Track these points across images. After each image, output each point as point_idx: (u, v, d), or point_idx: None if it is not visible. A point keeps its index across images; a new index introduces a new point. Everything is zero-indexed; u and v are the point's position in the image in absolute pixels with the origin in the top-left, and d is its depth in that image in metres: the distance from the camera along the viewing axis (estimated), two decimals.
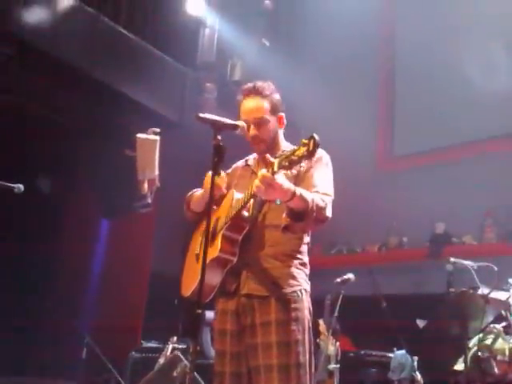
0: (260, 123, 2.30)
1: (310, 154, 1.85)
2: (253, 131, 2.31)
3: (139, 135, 4.59)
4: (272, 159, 1.95)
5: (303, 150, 1.86)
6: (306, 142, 1.86)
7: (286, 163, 1.89)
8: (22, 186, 3.12)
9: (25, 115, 5.35)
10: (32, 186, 5.72)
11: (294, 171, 1.95)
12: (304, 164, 1.91)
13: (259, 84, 2.35)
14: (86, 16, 5.10)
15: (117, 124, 5.52)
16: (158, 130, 4.57)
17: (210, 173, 2.19)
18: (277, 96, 2.37)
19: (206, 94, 6.02)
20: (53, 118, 5.46)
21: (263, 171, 1.96)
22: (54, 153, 6.12)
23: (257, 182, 1.97)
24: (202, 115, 2.16)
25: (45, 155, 6.13)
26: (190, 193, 2.55)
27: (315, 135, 1.86)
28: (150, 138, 4.57)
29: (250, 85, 2.37)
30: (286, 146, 2.36)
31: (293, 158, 1.87)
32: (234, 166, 2.56)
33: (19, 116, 5.29)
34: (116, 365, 4.80)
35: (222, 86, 6.17)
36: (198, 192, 2.48)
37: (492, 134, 5.55)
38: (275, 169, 1.92)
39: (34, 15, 4.70)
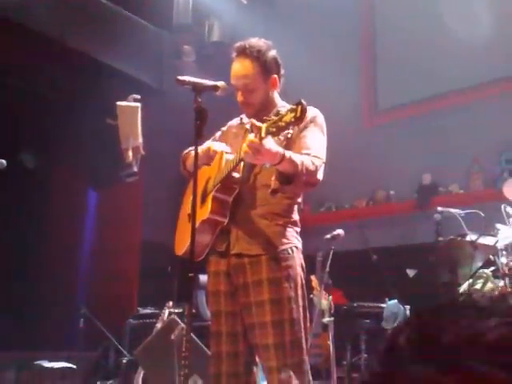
0: (247, 90, 2.25)
1: (298, 120, 1.84)
2: (240, 97, 2.28)
3: (119, 103, 4.51)
4: (259, 124, 1.93)
5: (290, 115, 1.84)
6: (294, 107, 1.84)
7: (274, 129, 1.87)
8: (4, 162, 3.07)
9: (3, 89, 5.22)
10: (15, 161, 5.65)
11: (282, 137, 1.92)
12: (292, 130, 1.89)
13: (250, 43, 2.26)
14: None
15: (96, 93, 5.41)
16: (138, 96, 4.49)
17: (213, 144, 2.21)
18: (271, 54, 2.27)
19: (184, 57, 5.91)
20: (30, 89, 5.34)
21: (250, 136, 1.94)
22: (35, 125, 6.02)
23: (244, 146, 1.96)
24: (181, 78, 2.12)
25: (25, 128, 6.02)
26: (185, 151, 2.52)
27: (302, 101, 1.84)
28: (130, 105, 4.50)
29: (241, 44, 2.28)
30: (282, 105, 2.31)
31: (280, 123, 1.86)
32: (228, 123, 2.53)
33: None
34: (114, 332, 4.86)
35: (200, 47, 6.05)
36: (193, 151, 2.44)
37: (475, 83, 5.53)
38: (263, 134, 1.90)
39: None
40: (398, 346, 0.49)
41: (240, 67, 2.25)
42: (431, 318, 0.50)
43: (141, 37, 5.56)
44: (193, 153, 2.45)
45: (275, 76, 2.29)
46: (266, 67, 2.25)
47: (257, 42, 2.29)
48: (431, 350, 0.46)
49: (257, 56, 2.23)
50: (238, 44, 2.30)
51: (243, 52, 2.25)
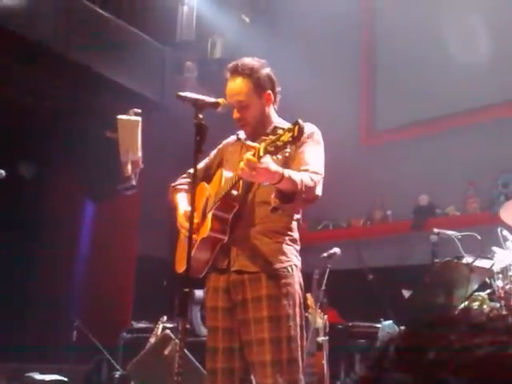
0: (242, 107, 2.28)
1: (295, 140, 1.86)
2: (236, 114, 2.30)
3: (120, 116, 4.54)
4: (257, 145, 1.94)
5: (288, 135, 1.86)
6: (291, 127, 1.86)
7: (272, 148, 1.89)
8: (3, 172, 3.08)
9: (2, 99, 5.25)
10: (14, 171, 5.66)
11: (280, 156, 1.93)
12: (289, 149, 1.90)
13: (243, 62, 2.30)
14: None
15: (97, 106, 5.45)
16: (139, 110, 4.52)
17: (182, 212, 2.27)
18: (264, 72, 2.30)
19: (186, 72, 5.96)
20: (33, 101, 5.37)
21: (248, 155, 1.95)
22: (36, 137, 6.04)
23: (241, 164, 1.97)
24: (182, 94, 2.14)
25: (26, 140, 6.05)
26: (173, 184, 2.52)
27: (299, 120, 1.86)
28: (131, 118, 4.53)
29: (234, 63, 2.32)
30: (278, 122, 2.34)
31: (278, 143, 1.87)
32: (224, 141, 2.55)
33: None
34: (107, 346, 4.83)
35: (202, 64, 6.11)
36: (181, 205, 2.41)
37: (473, 106, 5.58)
38: (261, 154, 1.91)
39: None
40: (386, 353, 0.50)
41: (233, 85, 2.28)
42: (423, 331, 0.51)
43: (144, 52, 5.61)
44: (180, 187, 2.47)
45: (269, 92, 2.32)
46: (260, 84, 2.28)
47: (250, 60, 2.32)
48: (415, 360, 0.47)
49: (249, 73, 2.27)
50: (231, 64, 2.34)
51: (236, 71, 2.28)
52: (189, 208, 2.29)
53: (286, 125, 2.26)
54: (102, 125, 5.13)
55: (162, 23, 5.93)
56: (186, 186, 2.49)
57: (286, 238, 2.27)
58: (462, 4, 5.79)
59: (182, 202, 2.41)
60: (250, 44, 5.71)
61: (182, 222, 2.32)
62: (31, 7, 4.73)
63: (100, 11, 5.27)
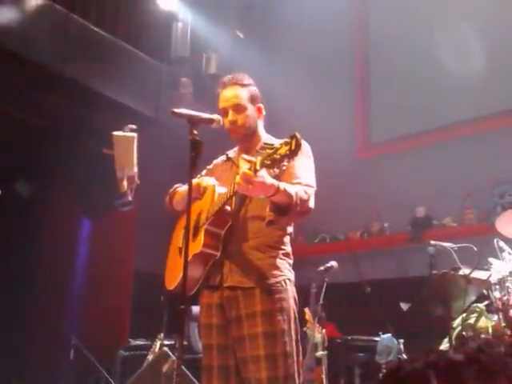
0: (239, 109, 2.31)
1: (292, 153, 1.86)
2: (231, 117, 2.32)
3: (115, 133, 4.55)
4: (253, 158, 1.95)
5: (285, 148, 1.86)
6: (288, 140, 1.87)
7: (269, 162, 1.89)
8: None
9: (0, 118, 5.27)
10: (10, 189, 5.65)
11: (277, 170, 1.94)
12: (286, 163, 1.90)
13: (238, 75, 2.38)
14: (56, 14, 5.02)
15: (93, 122, 5.46)
16: (134, 126, 4.53)
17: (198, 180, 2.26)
18: (255, 88, 2.39)
19: (181, 88, 5.98)
20: (27, 119, 5.38)
21: (244, 168, 1.95)
22: (31, 154, 6.04)
23: (238, 178, 1.97)
24: (177, 110, 2.15)
25: (21, 157, 6.04)
26: (173, 188, 2.55)
27: (297, 134, 1.87)
28: (126, 135, 4.54)
29: (228, 76, 2.39)
30: (267, 138, 2.37)
31: (275, 156, 1.87)
32: (214, 161, 2.56)
33: None
34: (105, 364, 4.79)
35: (197, 80, 6.14)
36: (181, 188, 2.47)
37: (468, 117, 5.61)
38: (257, 167, 1.92)
39: (3, 15, 4.62)
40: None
41: (230, 91, 2.35)
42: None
43: (139, 68, 5.64)
44: (180, 189, 2.48)
45: (261, 105, 2.39)
46: (253, 95, 2.36)
47: (242, 75, 2.41)
48: None
49: (245, 84, 2.36)
50: (224, 78, 2.40)
51: (231, 82, 2.36)
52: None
53: (275, 141, 2.28)
54: (97, 141, 5.13)
55: (156, 40, 5.97)
56: (183, 186, 2.50)
57: (279, 252, 2.26)
58: (456, 16, 5.85)
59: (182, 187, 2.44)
60: (244, 60, 5.76)
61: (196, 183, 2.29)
62: (27, 26, 4.76)
63: (95, 29, 5.31)
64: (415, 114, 5.89)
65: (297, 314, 2.25)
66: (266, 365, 2.11)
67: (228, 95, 2.33)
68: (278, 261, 2.24)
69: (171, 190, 2.55)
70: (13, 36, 4.64)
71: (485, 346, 0.52)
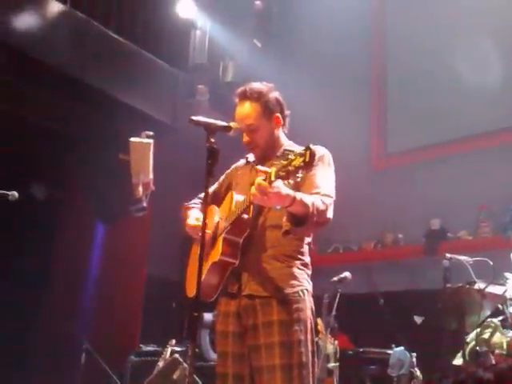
0: (251, 130, 2.30)
1: (307, 165, 1.85)
2: (245, 138, 2.32)
3: (132, 139, 4.59)
4: (268, 169, 1.95)
5: (300, 160, 1.85)
6: (303, 152, 1.87)
7: (283, 173, 1.89)
8: (16, 194, 3.11)
9: (17, 122, 5.33)
10: (26, 193, 5.71)
11: (291, 181, 1.93)
12: (301, 174, 1.90)
13: (251, 87, 2.33)
14: (76, 21, 5.09)
15: (110, 128, 5.51)
16: (151, 133, 4.57)
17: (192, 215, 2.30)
18: (272, 95, 2.33)
19: (198, 96, 6.02)
20: (45, 124, 5.44)
21: (259, 179, 1.95)
22: (48, 159, 6.10)
23: (253, 189, 1.97)
24: (194, 118, 2.16)
25: (38, 162, 6.11)
26: (185, 205, 2.54)
27: (311, 146, 1.87)
28: (143, 141, 4.58)
29: (242, 88, 2.35)
30: (288, 144, 2.36)
31: (290, 168, 1.87)
32: (233, 165, 2.56)
33: (12, 123, 5.27)
34: (115, 369, 4.79)
35: (214, 87, 6.17)
36: (192, 214, 2.44)
37: (484, 129, 5.57)
38: (272, 178, 1.92)
39: (24, 21, 4.69)
40: None
41: (242, 109, 2.32)
42: None
43: (157, 76, 5.69)
44: (192, 205, 2.50)
45: (278, 115, 2.34)
46: (268, 107, 2.31)
47: (258, 85, 2.36)
48: None
49: (257, 97, 2.30)
50: (239, 89, 2.37)
51: (244, 95, 2.32)
52: (200, 215, 2.31)
53: (296, 147, 2.27)
54: (114, 147, 5.18)
55: (174, 47, 6.02)
56: (198, 205, 2.52)
57: (297, 262, 2.25)
58: (473, 27, 5.82)
59: (193, 212, 2.45)
60: (261, 68, 5.78)
61: (190, 222, 2.34)
62: (47, 32, 4.83)
63: (114, 36, 5.37)
64: (432, 125, 5.86)
65: (314, 325, 2.24)
66: (282, 375, 2.09)
67: (240, 115, 2.31)
68: (296, 271, 2.23)
69: (183, 209, 2.55)
70: (34, 42, 4.71)
71: None
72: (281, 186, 1.96)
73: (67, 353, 5.49)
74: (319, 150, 2.24)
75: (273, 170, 1.92)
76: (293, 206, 2.01)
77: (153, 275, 5.79)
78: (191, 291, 2.32)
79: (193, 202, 2.57)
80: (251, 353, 2.17)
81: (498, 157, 5.32)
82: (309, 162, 1.84)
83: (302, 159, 1.85)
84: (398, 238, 5.95)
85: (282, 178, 1.90)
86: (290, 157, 1.89)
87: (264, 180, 1.94)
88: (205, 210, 2.08)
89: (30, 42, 4.69)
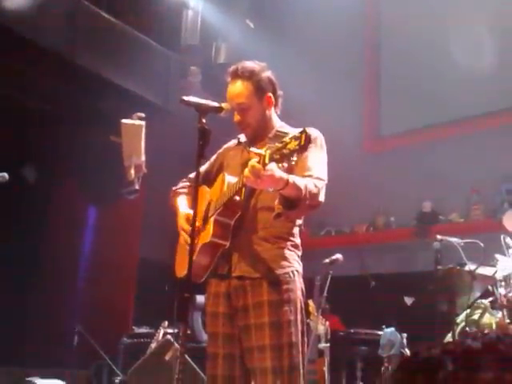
0: (242, 109, 2.27)
1: (302, 149, 1.84)
2: (236, 117, 2.30)
3: (124, 120, 4.56)
4: (262, 152, 1.93)
5: (295, 143, 1.83)
6: (298, 135, 1.84)
7: (278, 156, 1.87)
8: (6, 175, 3.08)
9: (8, 103, 5.27)
10: (17, 174, 5.67)
11: (286, 164, 1.91)
12: (295, 157, 1.88)
13: (243, 65, 2.29)
14: (67, 1, 5.01)
15: (101, 110, 5.46)
16: (142, 114, 4.54)
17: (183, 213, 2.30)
18: (264, 74, 2.29)
19: (190, 77, 5.97)
20: (36, 105, 5.39)
21: (253, 162, 1.94)
22: (39, 141, 6.06)
23: (246, 171, 1.95)
24: (186, 98, 2.14)
25: (30, 143, 6.06)
26: (174, 188, 2.52)
27: (307, 129, 1.85)
28: (135, 123, 4.55)
29: (233, 67, 2.32)
30: (280, 125, 2.34)
31: (284, 151, 1.85)
32: (225, 146, 2.54)
33: (2, 104, 5.21)
34: (108, 351, 4.81)
35: (206, 68, 6.12)
36: (181, 208, 2.42)
37: (477, 113, 5.57)
38: (266, 161, 1.90)
39: (15, 2, 4.61)
40: None
41: (233, 88, 2.28)
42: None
43: (149, 56, 5.63)
44: (181, 190, 2.47)
45: (270, 94, 2.31)
46: (260, 86, 2.27)
47: (250, 63, 2.32)
48: None
49: (249, 76, 2.26)
50: (231, 67, 2.33)
51: (235, 74, 2.29)
52: (189, 211, 2.29)
53: (288, 129, 2.25)
54: (105, 129, 5.13)
55: (166, 28, 5.95)
56: (186, 190, 2.50)
57: (288, 243, 2.26)
58: (467, 11, 5.79)
59: (183, 205, 2.42)
60: (254, 49, 5.72)
61: (183, 225, 2.33)
62: (38, 11, 4.75)
63: (106, 16, 5.29)
64: (424, 108, 5.85)
65: (303, 306, 2.25)
66: (272, 354, 2.11)
67: (231, 93, 2.28)
68: (287, 252, 2.24)
69: (174, 189, 2.53)
70: (24, 23, 4.63)
71: (503, 336, 0.54)
72: (274, 169, 1.94)
73: (59, 335, 5.51)
74: (312, 132, 2.22)
75: (267, 153, 1.90)
76: (286, 189, 2.00)
77: (145, 258, 5.80)
78: (180, 271, 2.32)
79: (181, 184, 2.54)
80: (242, 333, 2.18)
81: (490, 140, 5.34)
82: (304, 146, 1.83)
83: (297, 142, 1.83)
84: (390, 220, 5.98)
85: (276, 161, 1.88)
86: (285, 139, 1.87)
87: (258, 162, 1.92)
88: (195, 191, 2.07)
89: (20, 23, 4.61)
